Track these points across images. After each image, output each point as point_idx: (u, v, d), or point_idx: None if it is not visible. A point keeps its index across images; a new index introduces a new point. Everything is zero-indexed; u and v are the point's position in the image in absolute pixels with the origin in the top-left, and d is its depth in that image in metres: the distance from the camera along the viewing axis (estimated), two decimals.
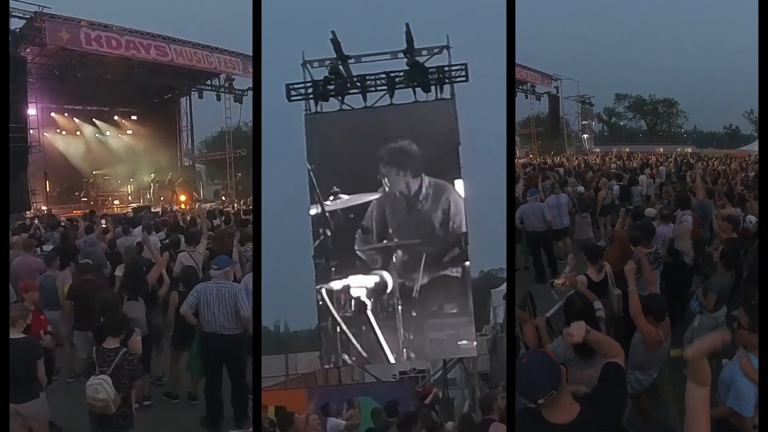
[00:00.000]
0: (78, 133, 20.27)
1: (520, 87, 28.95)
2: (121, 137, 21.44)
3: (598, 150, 34.65)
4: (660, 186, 12.50)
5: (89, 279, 6.08)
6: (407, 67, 7.29)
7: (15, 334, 4.23)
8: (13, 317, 4.28)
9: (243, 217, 11.96)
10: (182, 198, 20.05)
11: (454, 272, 7.01)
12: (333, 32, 7.05)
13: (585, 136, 35.58)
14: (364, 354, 6.97)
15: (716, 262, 5.49)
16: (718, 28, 49.41)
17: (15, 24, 13.72)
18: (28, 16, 13.97)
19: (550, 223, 8.98)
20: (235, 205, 14.63)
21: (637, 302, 4.08)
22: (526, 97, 30.46)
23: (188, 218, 11.51)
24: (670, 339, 4.20)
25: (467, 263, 7.04)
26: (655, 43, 54.61)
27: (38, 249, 8.15)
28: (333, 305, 6.99)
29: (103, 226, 10.66)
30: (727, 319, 4.95)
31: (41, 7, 13.89)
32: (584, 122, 35.04)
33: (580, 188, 11.18)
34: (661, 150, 33.61)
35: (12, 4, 12.44)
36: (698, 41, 55.61)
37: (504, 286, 9.18)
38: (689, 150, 34.57)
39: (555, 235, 9.43)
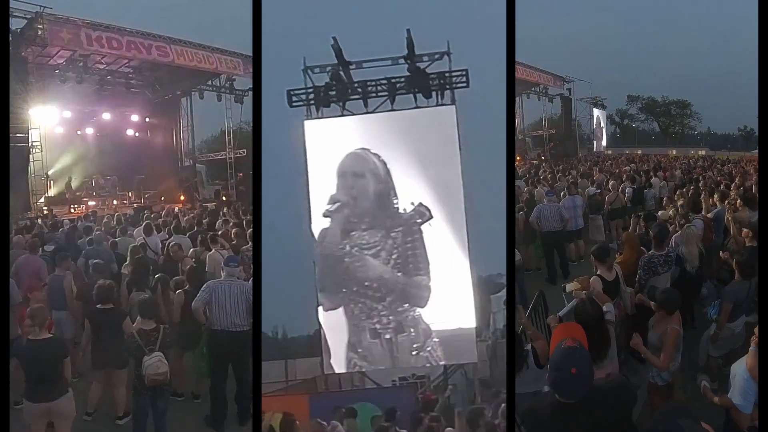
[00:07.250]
0: (78, 133, 20.24)
1: (533, 89, 28.78)
2: (121, 137, 21.39)
3: (609, 152, 34.34)
4: (674, 189, 12.39)
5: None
6: (408, 73, 7.28)
7: (43, 334, 4.33)
8: (39, 320, 4.33)
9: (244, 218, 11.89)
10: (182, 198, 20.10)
11: (456, 274, 6.95)
12: (334, 38, 7.08)
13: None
14: (365, 358, 6.94)
15: (733, 269, 5.37)
16: (732, 29, 48.68)
17: (16, 24, 13.69)
18: (29, 17, 13.89)
19: (567, 222, 9.02)
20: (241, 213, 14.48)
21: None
22: (539, 99, 30.28)
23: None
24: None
25: (468, 265, 6.99)
26: (667, 44, 54.21)
27: (40, 249, 8.13)
28: (334, 309, 6.95)
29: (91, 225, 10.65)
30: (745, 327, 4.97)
31: (42, 8, 13.82)
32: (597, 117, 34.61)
33: (591, 189, 11.14)
34: (674, 152, 33.24)
35: (12, 4, 12.42)
36: (711, 42, 55.07)
37: (504, 292, 9.10)
38: (703, 152, 34.05)
39: (568, 236, 9.49)
